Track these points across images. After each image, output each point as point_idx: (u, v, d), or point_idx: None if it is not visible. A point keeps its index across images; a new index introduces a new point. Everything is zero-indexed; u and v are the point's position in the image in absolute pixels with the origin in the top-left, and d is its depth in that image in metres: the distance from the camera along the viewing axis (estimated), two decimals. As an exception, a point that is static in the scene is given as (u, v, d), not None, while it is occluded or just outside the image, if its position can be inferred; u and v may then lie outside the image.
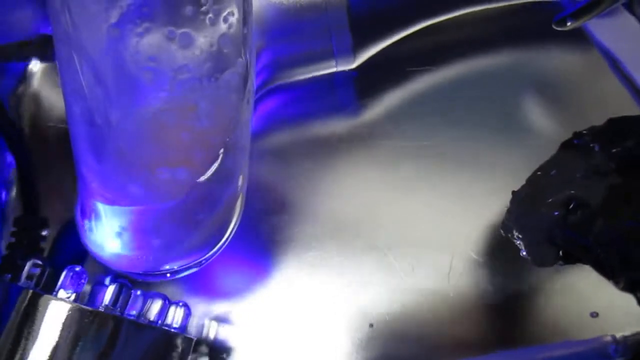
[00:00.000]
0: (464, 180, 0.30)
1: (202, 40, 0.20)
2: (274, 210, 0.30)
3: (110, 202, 0.22)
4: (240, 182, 0.25)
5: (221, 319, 0.28)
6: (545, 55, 0.33)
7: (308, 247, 0.29)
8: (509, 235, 0.25)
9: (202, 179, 0.22)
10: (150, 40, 0.19)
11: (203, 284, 0.29)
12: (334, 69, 0.30)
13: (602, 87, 0.32)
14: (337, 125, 0.32)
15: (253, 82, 0.24)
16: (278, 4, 0.26)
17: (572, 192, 0.22)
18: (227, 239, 0.26)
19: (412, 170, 0.31)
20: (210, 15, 0.19)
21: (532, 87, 0.33)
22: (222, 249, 0.26)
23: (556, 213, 0.22)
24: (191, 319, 0.27)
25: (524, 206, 0.24)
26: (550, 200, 0.23)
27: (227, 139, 0.22)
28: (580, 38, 0.32)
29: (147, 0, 0.18)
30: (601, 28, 0.31)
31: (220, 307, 0.28)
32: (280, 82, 0.30)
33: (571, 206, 0.22)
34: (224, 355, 0.27)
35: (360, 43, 0.28)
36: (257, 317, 0.28)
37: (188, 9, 0.19)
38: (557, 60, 0.33)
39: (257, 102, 0.31)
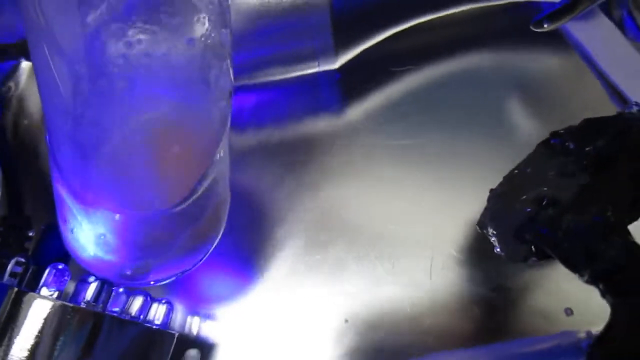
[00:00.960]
0: (445, 179, 0.31)
1: (182, 60, 0.20)
2: (255, 209, 0.30)
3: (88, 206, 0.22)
4: (222, 195, 0.25)
5: (205, 316, 0.29)
6: (527, 56, 0.34)
7: (289, 245, 0.29)
8: (484, 231, 0.25)
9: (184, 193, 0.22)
10: (126, 61, 0.19)
11: (187, 282, 0.29)
12: (316, 69, 0.30)
13: (584, 87, 0.33)
14: (321, 125, 0.32)
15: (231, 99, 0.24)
16: (259, 4, 0.26)
17: (545, 189, 0.22)
18: (208, 252, 0.26)
19: (394, 169, 0.31)
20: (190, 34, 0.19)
21: (514, 87, 0.33)
22: (204, 260, 0.27)
23: (528, 210, 0.22)
24: (175, 316, 0.28)
25: (499, 203, 0.25)
26: (523, 197, 0.23)
27: (212, 153, 0.22)
28: (562, 39, 0.33)
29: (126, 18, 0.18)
30: (579, 30, 0.32)
31: (203, 304, 0.29)
32: (262, 81, 0.30)
33: (543, 203, 0.22)
34: (207, 351, 0.28)
35: (343, 43, 0.29)
36: (238, 313, 0.28)
37: (167, 32, 0.19)
38: (539, 61, 0.34)
39: (240, 101, 0.32)
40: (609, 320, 0.18)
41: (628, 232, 0.20)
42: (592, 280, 0.19)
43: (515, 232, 0.23)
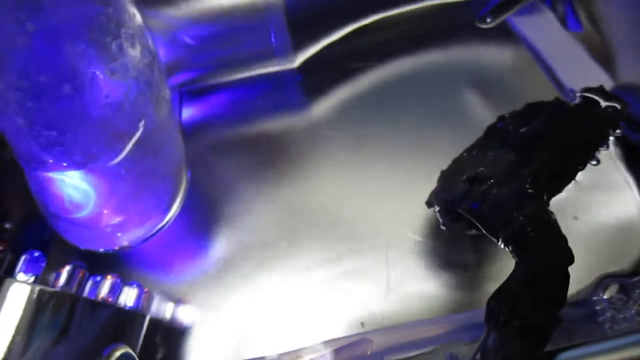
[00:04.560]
0: (403, 166, 0.32)
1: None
2: (223, 201, 0.32)
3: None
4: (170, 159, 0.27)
5: (178, 301, 0.30)
6: (479, 49, 0.36)
7: (256, 233, 0.31)
8: (432, 209, 0.27)
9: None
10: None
11: (161, 268, 0.31)
12: (277, 67, 0.32)
13: (532, 76, 0.35)
14: (285, 121, 0.34)
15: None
16: (217, 6, 0.28)
17: (482, 168, 0.24)
18: (167, 220, 0.29)
19: (355, 158, 0.33)
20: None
21: (467, 79, 0.35)
22: (165, 227, 0.29)
23: (465, 187, 0.24)
24: (149, 301, 0.29)
25: (444, 182, 0.27)
26: (464, 176, 0.25)
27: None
28: (510, 33, 0.35)
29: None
30: (524, 23, 0.34)
31: (177, 290, 0.30)
32: (226, 80, 0.32)
33: (477, 181, 0.24)
34: (181, 335, 0.29)
35: (300, 42, 0.31)
36: (210, 298, 0.30)
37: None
38: (490, 54, 0.36)
39: (208, 101, 0.34)
40: (510, 274, 0.20)
41: (543, 202, 0.22)
42: (505, 244, 0.21)
43: (453, 207, 0.25)
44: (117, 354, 0.17)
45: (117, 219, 0.27)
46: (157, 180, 0.28)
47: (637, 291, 0.24)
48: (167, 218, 0.29)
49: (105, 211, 0.26)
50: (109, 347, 0.18)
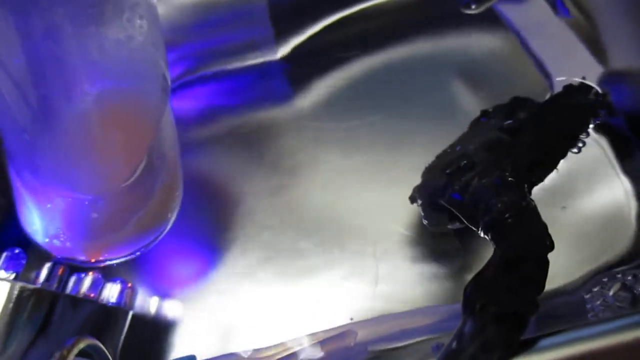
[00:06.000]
0: (389, 159, 0.32)
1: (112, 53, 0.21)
2: (212, 194, 0.32)
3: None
4: (167, 181, 0.26)
5: (164, 296, 0.30)
6: (467, 39, 0.36)
7: (243, 227, 0.31)
8: (415, 203, 0.27)
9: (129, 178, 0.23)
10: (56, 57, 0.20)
11: (147, 263, 0.30)
12: (260, 59, 0.32)
13: (523, 66, 0.34)
14: (272, 112, 0.34)
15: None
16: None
17: (465, 162, 0.24)
18: (158, 235, 0.28)
19: (342, 150, 0.33)
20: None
21: (456, 69, 0.35)
22: (155, 243, 0.28)
23: (447, 179, 0.24)
24: (134, 296, 0.29)
25: (427, 177, 0.26)
26: (447, 170, 0.25)
27: (149, 139, 0.24)
28: (500, 22, 0.34)
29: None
30: (513, 10, 0.34)
31: (163, 285, 0.30)
32: (212, 72, 0.32)
33: (459, 173, 0.24)
34: (165, 330, 0.29)
35: (283, 33, 0.31)
36: (196, 293, 0.30)
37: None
38: (479, 43, 0.35)
39: (195, 93, 0.33)
40: (487, 261, 0.20)
41: (523, 190, 0.21)
42: (485, 231, 0.21)
43: (434, 199, 0.24)
44: (81, 345, 0.17)
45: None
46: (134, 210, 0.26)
47: (620, 281, 0.23)
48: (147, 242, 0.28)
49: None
50: (72, 338, 0.17)
